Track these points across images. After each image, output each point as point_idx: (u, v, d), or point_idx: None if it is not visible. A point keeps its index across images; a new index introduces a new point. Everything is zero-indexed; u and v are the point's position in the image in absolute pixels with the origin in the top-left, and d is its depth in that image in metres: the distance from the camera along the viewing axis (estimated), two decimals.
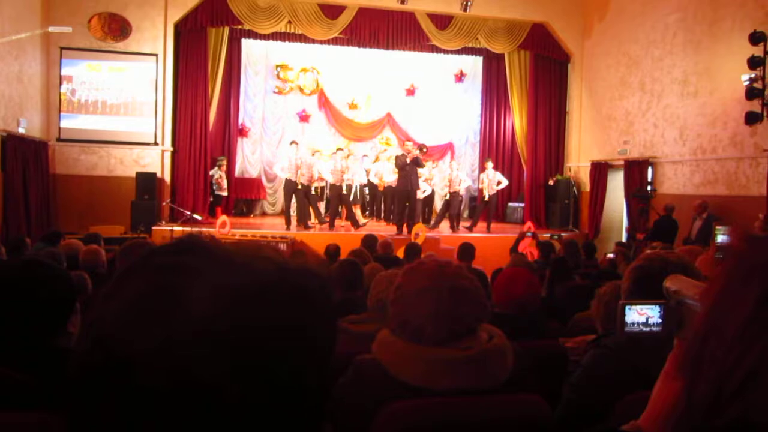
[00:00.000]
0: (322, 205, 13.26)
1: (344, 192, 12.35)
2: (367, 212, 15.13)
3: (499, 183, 13.17)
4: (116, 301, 0.58)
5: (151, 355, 0.53)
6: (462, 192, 13.22)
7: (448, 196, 12.95)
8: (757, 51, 9.32)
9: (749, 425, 0.53)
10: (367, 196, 15.13)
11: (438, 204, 14.98)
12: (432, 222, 13.34)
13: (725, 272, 0.62)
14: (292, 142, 12.65)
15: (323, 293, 0.64)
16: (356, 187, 13.06)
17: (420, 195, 13.10)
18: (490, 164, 13.36)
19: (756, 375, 0.54)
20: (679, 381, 0.64)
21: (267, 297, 0.59)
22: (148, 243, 3.47)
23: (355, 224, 12.23)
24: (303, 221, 12.16)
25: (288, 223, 12.13)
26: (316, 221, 12.46)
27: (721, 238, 8.56)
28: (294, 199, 12.17)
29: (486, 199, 13.09)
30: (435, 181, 13.96)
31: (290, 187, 12.06)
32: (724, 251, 0.65)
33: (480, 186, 13.27)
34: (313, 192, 12.57)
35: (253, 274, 0.60)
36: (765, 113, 9.39)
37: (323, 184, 12.47)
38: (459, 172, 13.14)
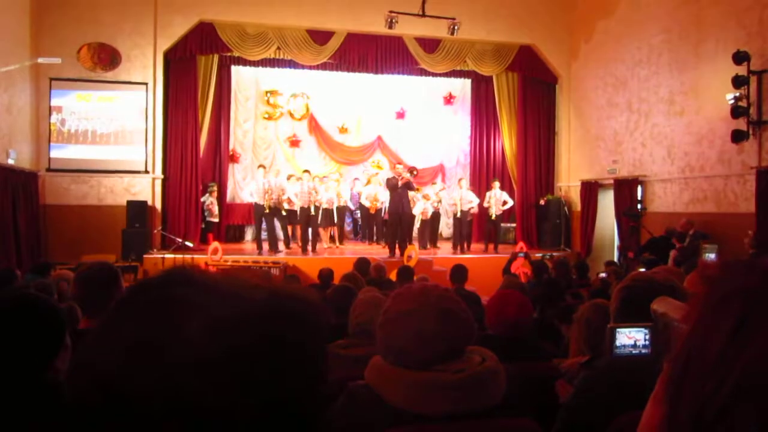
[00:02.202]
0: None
1: (312, 214, 12.34)
2: (359, 236, 15.22)
3: (504, 203, 13.43)
4: (110, 340, 0.58)
5: (150, 391, 0.54)
6: (470, 213, 13.41)
7: (459, 214, 13.10)
8: (741, 70, 9.44)
9: None
10: (359, 220, 15.21)
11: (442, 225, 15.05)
12: (452, 244, 13.43)
13: (702, 298, 0.63)
14: (260, 166, 12.81)
15: (315, 318, 0.65)
16: (322, 209, 12.94)
17: (427, 216, 13.40)
18: (497, 184, 13.60)
19: (735, 400, 0.54)
20: (665, 405, 0.65)
21: (260, 324, 0.60)
22: (107, 265, 3.01)
23: (304, 248, 12.33)
24: (273, 246, 12.18)
25: (260, 248, 12.23)
26: (284, 246, 12.49)
27: (708, 257, 8.61)
28: (264, 224, 12.28)
29: (493, 218, 13.34)
30: (438, 202, 13.98)
31: (259, 211, 12.13)
32: (703, 275, 0.66)
33: (486, 206, 13.42)
34: (283, 214, 12.58)
35: (245, 303, 0.61)
36: (751, 131, 9.49)
37: (296, 207, 12.46)
38: (467, 192, 13.28)
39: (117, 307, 0.62)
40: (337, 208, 13.32)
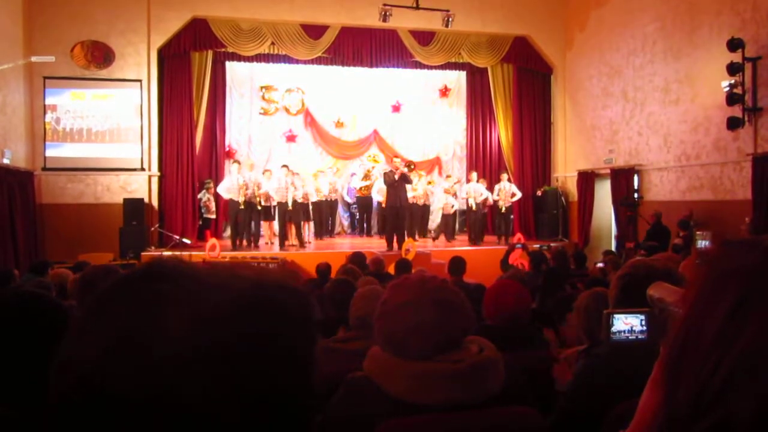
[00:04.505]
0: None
1: (290, 209, 12.24)
2: (356, 230, 15.25)
3: (513, 195, 13.57)
4: (92, 336, 0.57)
5: (133, 387, 0.53)
6: (484, 205, 13.53)
7: (474, 207, 13.26)
8: (736, 57, 9.44)
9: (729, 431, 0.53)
10: (356, 214, 15.23)
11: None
12: (471, 237, 13.55)
13: (700, 278, 0.62)
14: (234, 161, 12.86)
15: (300, 306, 0.64)
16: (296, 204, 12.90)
17: (449, 210, 13.57)
18: (505, 176, 13.73)
19: (733, 381, 0.54)
20: (663, 389, 0.64)
21: (243, 314, 0.59)
22: (112, 268, 2.85)
23: (302, 244, 12.30)
24: (251, 242, 12.20)
25: (234, 245, 12.20)
26: (268, 240, 12.46)
27: (701, 244, 8.66)
28: (244, 220, 12.25)
29: (503, 211, 13.48)
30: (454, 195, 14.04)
31: (234, 207, 12.09)
32: (701, 257, 0.66)
33: (496, 198, 13.51)
34: (258, 209, 12.53)
35: (227, 293, 0.60)
36: (746, 118, 9.50)
37: (274, 203, 12.39)
38: (478, 185, 13.42)
39: (98, 301, 0.60)
40: (314, 203, 13.28)
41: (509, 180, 13.83)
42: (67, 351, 0.58)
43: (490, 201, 13.50)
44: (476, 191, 13.28)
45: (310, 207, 13.27)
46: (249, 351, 0.57)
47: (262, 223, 12.86)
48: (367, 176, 15.28)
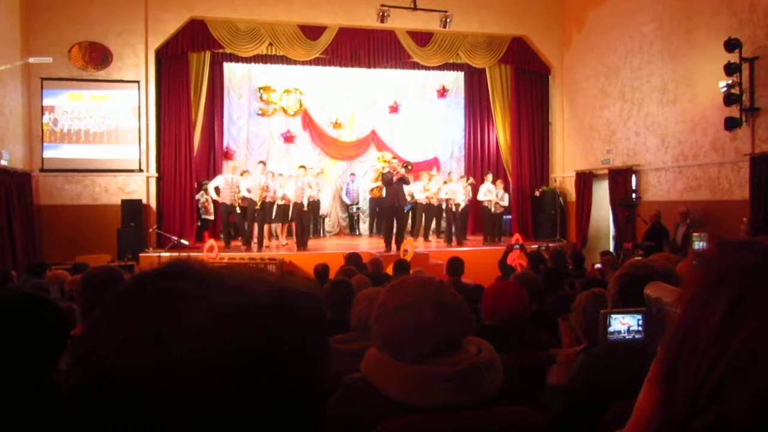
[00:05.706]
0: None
1: (305, 209, 12.32)
2: (355, 230, 15.28)
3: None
4: (110, 330, 0.58)
5: (151, 381, 0.54)
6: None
7: (454, 208, 13.28)
8: (733, 57, 9.45)
9: (726, 430, 0.54)
10: (355, 215, 15.24)
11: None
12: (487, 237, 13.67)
13: (697, 278, 0.63)
14: (260, 162, 12.89)
15: (317, 312, 0.66)
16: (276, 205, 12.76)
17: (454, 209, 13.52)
18: (490, 177, 13.74)
19: (730, 379, 0.54)
20: (660, 388, 0.65)
21: (263, 317, 0.60)
22: (114, 270, 2.93)
23: (305, 244, 12.37)
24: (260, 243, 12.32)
25: (249, 244, 12.32)
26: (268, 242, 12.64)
27: (698, 245, 8.68)
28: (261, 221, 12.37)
29: (493, 211, 13.65)
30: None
31: (251, 207, 12.21)
32: (698, 257, 0.66)
33: (487, 200, 13.55)
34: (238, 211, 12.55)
35: (248, 295, 0.61)
36: (743, 118, 9.51)
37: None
38: (453, 186, 13.43)
39: (117, 297, 0.61)
40: (295, 204, 12.72)
41: (493, 181, 13.77)
42: (85, 345, 0.58)
43: (457, 201, 13.36)
44: (452, 192, 13.24)
45: (290, 209, 13.27)
46: (266, 350, 0.58)
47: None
48: (377, 177, 15.29)
